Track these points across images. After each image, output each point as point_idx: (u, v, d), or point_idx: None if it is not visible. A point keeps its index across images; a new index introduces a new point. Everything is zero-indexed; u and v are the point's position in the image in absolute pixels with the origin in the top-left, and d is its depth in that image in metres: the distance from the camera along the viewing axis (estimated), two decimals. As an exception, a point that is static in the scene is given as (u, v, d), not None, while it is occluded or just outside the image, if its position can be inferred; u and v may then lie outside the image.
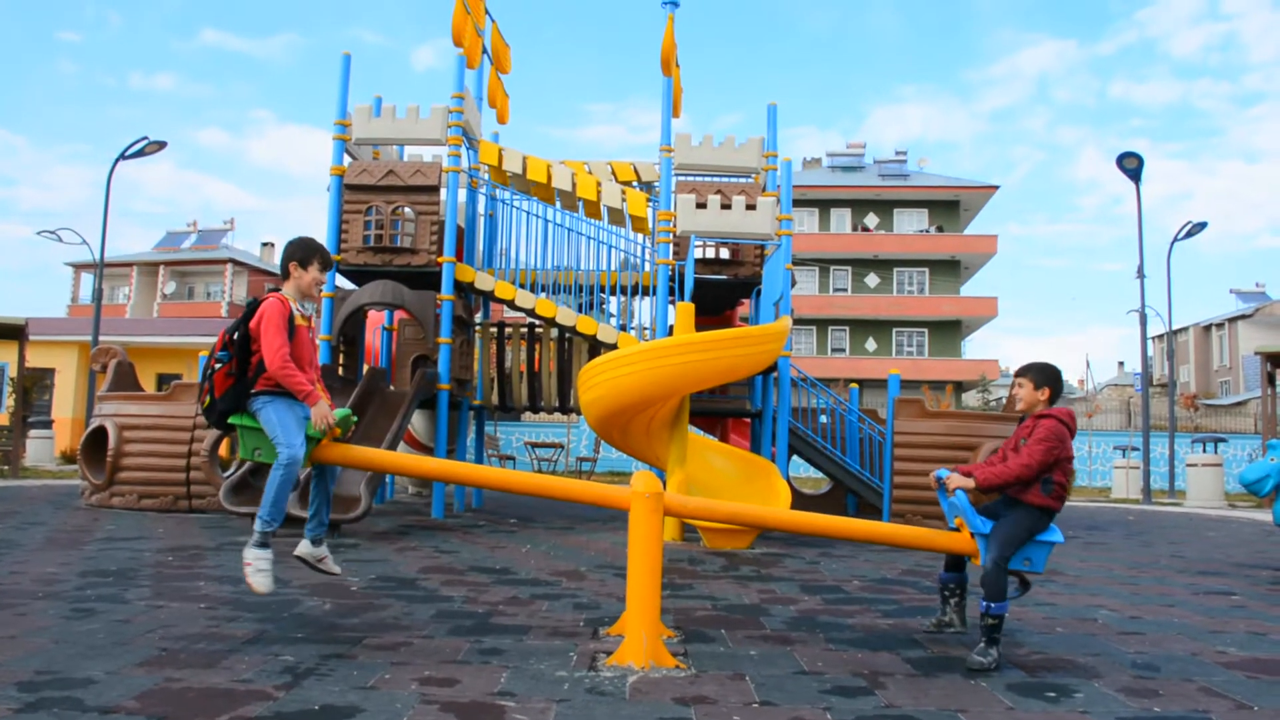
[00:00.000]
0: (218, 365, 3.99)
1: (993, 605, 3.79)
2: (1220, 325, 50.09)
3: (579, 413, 10.52)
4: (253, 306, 4.08)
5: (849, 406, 11.32)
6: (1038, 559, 3.95)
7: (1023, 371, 4.18)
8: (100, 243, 20.77)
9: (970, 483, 3.95)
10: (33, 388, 22.60)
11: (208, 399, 4.03)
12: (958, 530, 4.09)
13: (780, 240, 10.16)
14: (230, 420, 4.05)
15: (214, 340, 4.09)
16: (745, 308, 12.99)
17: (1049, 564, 7.42)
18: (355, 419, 4.27)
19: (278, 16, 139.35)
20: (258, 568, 3.84)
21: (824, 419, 11.41)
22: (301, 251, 4.23)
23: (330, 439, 4.11)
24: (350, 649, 3.76)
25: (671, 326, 9.12)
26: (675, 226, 9.85)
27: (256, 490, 8.21)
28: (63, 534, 7.67)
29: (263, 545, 3.92)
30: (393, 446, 8.90)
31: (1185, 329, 52.05)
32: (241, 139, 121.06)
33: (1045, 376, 4.10)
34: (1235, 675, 3.67)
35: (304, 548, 4.27)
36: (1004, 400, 12.12)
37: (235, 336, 4.01)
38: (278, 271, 4.37)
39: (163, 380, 25.52)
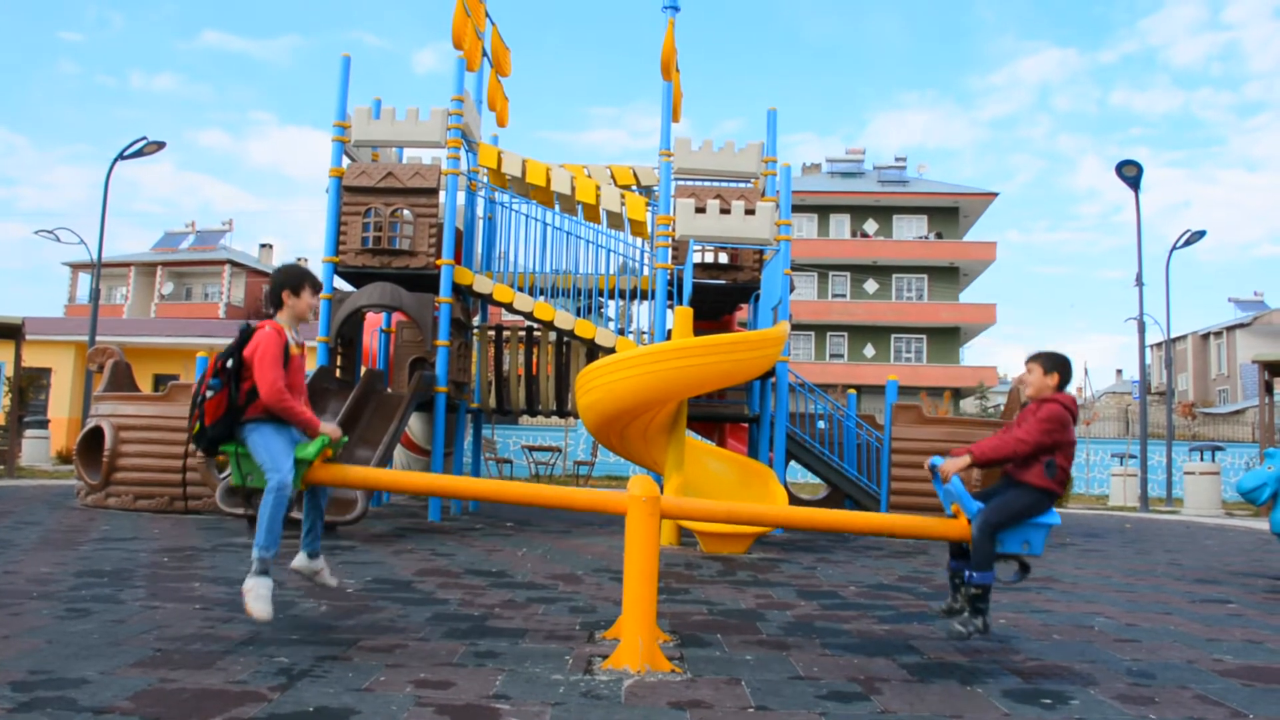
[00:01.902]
0: (209, 393, 3.94)
1: (975, 574, 3.77)
2: (1219, 334, 50.16)
3: (577, 416, 10.51)
4: (246, 333, 4.04)
5: (847, 412, 11.32)
6: (1036, 541, 3.93)
7: (1033, 357, 4.16)
8: (98, 243, 20.77)
9: (965, 461, 3.95)
10: (29, 387, 22.56)
11: (197, 425, 3.99)
12: (954, 517, 4.08)
13: (779, 245, 10.17)
14: (222, 448, 4.02)
15: (207, 362, 4.07)
16: (744, 312, 12.99)
17: (1048, 568, 7.44)
18: (345, 439, 4.27)
19: (279, 18, 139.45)
20: (257, 594, 3.79)
21: (822, 424, 11.41)
22: (293, 279, 4.21)
23: (323, 459, 4.10)
24: (345, 651, 3.75)
25: (670, 331, 9.12)
26: (674, 231, 9.85)
27: (252, 492, 8.19)
28: (58, 534, 7.65)
29: (263, 573, 3.87)
30: (389, 449, 8.89)
31: (1184, 337, 52.12)
32: (242, 140, 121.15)
33: (1054, 362, 4.10)
34: (1231, 683, 3.67)
35: (300, 561, 4.29)
36: (1001, 407, 12.14)
37: (229, 364, 3.96)
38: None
39: (159, 381, 25.50)
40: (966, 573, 3.80)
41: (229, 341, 4.12)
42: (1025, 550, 3.93)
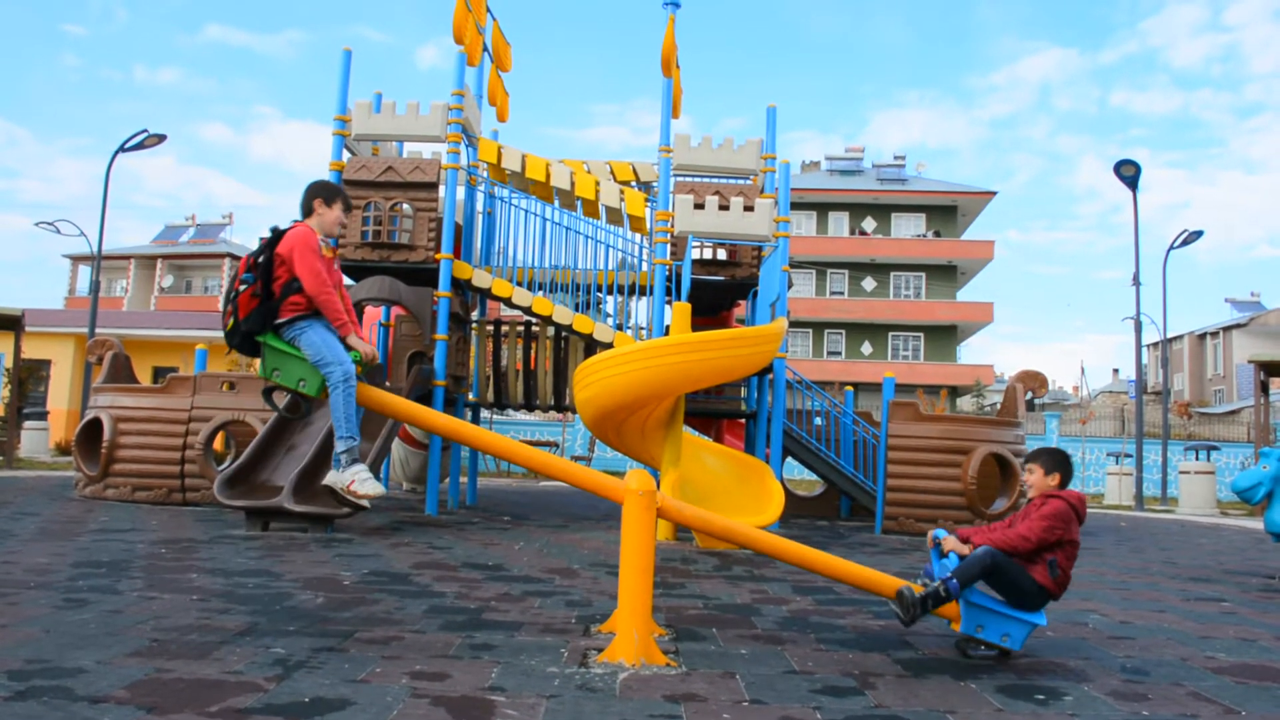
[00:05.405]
0: (242, 287, 3.93)
1: (954, 581, 3.78)
2: (1215, 334, 50.23)
3: (574, 411, 10.52)
4: (278, 234, 4.05)
5: (844, 409, 11.34)
6: (1016, 636, 3.89)
7: (1032, 457, 4.13)
8: (98, 235, 20.75)
9: (966, 548, 3.94)
10: (28, 379, 22.58)
11: (231, 321, 3.97)
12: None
13: (777, 242, 10.18)
14: (257, 338, 4.01)
15: (240, 261, 4.10)
16: (741, 309, 13.00)
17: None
18: (379, 359, 4.34)
19: (282, 12, 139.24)
20: (361, 479, 3.87)
21: (819, 421, 11.43)
22: (326, 191, 4.26)
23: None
24: (341, 642, 3.76)
25: (668, 326, 9.13)
26: (673, 227, 9.86)
27: (251, 484, 8.21)
28: (56, 525, 7.66)
29: (355, 461, 3.92)
30: (387, 442, 8.89)
31: (1180, 337, 52.18)
32: (244, 134, 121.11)
33: (1055, 461, 4.07)
34: (1224, 680, 3.69)
35: (332, 477, 4.26)
36: (998, 405, 12.17)
37: (260, 260, 3.96)
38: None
39: (159, 373, 25.49)
40: (950, 579, 3.81)
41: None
42: (1004, 642, 3.90)
